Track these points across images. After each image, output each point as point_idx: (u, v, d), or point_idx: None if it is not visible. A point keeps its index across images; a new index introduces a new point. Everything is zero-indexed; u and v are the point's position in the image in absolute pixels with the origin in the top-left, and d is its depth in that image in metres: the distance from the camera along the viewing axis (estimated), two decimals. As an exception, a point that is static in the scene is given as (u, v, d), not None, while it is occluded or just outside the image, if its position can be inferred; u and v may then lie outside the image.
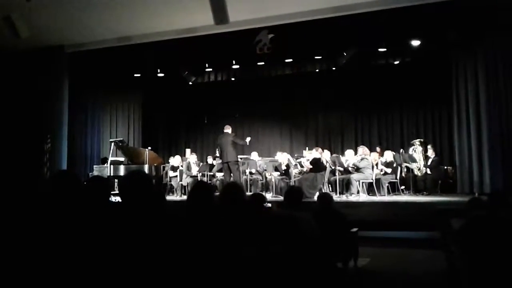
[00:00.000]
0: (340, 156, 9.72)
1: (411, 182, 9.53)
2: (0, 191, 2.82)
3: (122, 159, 10.58)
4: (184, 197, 9.10)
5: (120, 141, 10.31)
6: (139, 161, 9.70)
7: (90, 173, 10.43)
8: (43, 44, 9.18)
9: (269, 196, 9.16)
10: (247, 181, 10.07)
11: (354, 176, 8.89)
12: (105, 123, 12.38)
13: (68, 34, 8.94)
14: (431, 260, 5.37)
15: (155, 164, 9.73)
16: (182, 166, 11.00)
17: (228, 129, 9.65)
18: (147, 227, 2.16)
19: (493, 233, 2.41)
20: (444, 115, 11.18)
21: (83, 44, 9.46)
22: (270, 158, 10.44)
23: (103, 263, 2.04)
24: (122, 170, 9.40)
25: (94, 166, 10.31)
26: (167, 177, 11.08)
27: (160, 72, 11.35)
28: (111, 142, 10.21)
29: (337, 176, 9.07)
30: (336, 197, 8.23)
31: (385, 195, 9.08)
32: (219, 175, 10.63)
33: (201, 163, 11.25)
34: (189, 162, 10.97)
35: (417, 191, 9.45)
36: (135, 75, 11.60)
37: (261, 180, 10.32)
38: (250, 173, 10.32)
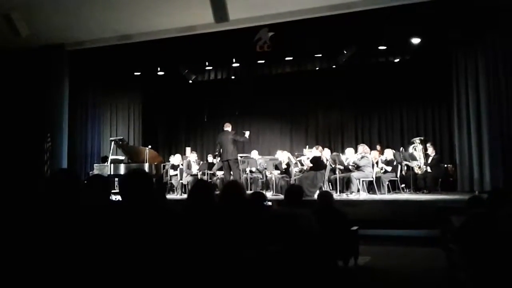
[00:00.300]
0: (340, 154, 9.72)
1: (411, 180, 9.52)
2: (0, 190, 2.82)
3: (122, 157, 10.57)
4: (185, 196, 9.09)
5: (120, 139, 10.30)
6: (139, 159, 9.72)
7: (90, 172, 10.45)
8: (43, 42, 9.17)
9: (269, 194, 9.16)
10: (247, 180, 10.05)
11: (354, 175, 8.89)
12: (105, 122, 12.36)
13: (68, 32, 8.93)
14: (431, 258, 5.39)
15: (155, 163, 9.75)
16: (182, 164, 10.99)
17: (228, 127, 9.61)
18: (148, 225, 2.16)
19: (493, 230, 2.41)
20: (445, 113, 11.18)
21: (83, 43, 9.44)
22: (271, 156, 10.42)
23: (104, 262, 2.04)
24: (122, 169, 9.42)
25: (94, 164, 10.34)
26: (167, 175, 11.07)
27: (160, 71, 11.33)
28: (111, 140, 10.22)
29: (337, 175, 9.07)
30: (336, 196, 8.22)
31: (385, 194, 9.08)
32: (219, 173, 10.60)
33: (201, 162, 11.24)
34: (189, 161, 10.96)
35: (417, 189, 9.44)
36: (135, 73, 11.58)
37: (261, 179, 10.31)
38: (251, 171, 10.30)
